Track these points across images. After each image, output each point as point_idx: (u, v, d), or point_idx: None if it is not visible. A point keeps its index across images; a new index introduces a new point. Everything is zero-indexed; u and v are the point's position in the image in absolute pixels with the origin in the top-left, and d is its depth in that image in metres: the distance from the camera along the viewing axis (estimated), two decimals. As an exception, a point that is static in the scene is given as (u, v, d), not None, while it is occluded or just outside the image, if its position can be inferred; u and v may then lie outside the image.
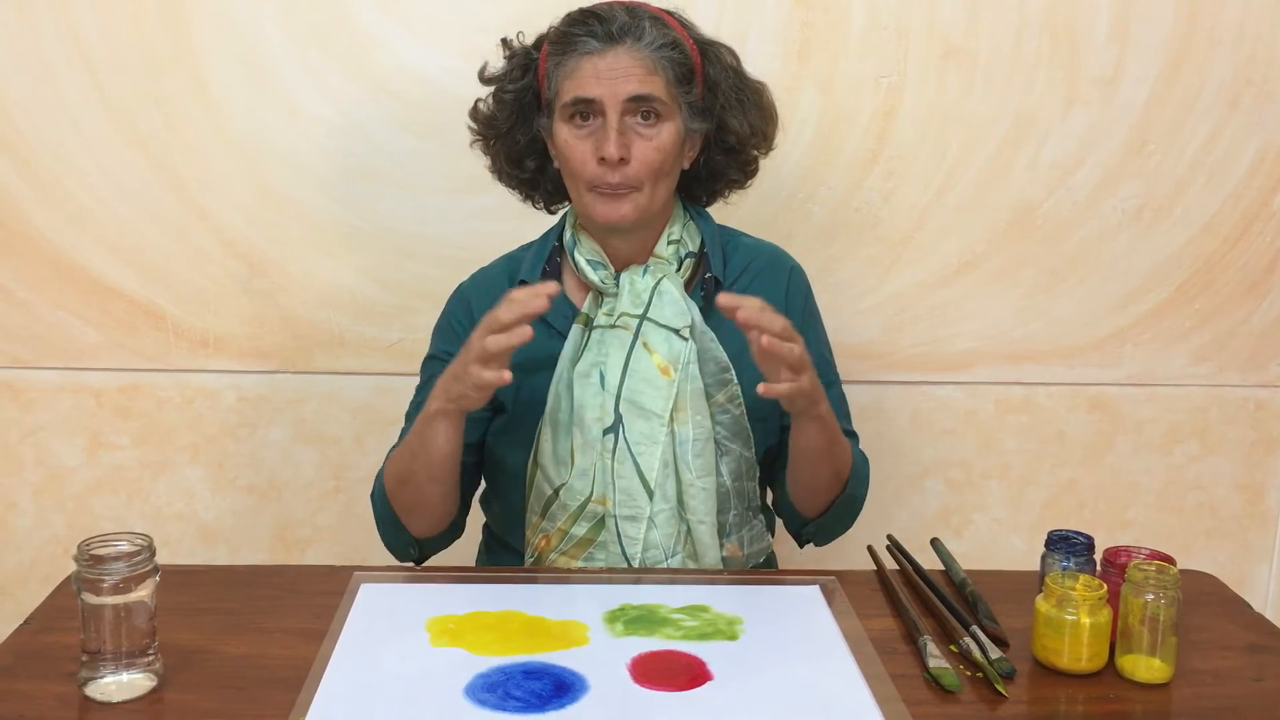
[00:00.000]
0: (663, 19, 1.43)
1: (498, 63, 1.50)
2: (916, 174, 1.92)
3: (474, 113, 1.52)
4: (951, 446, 2.02)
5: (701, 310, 1.45)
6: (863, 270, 1.95)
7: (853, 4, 1.85)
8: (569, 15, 1.44)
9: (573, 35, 1.40)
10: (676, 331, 1.41)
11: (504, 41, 1.50)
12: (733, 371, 1.43)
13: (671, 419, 1.39)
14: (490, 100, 1.51)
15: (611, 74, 1.38)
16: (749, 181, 1.55)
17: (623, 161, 1.38)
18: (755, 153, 1.52)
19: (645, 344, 1.41)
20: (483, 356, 1.25)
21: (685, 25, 1.45)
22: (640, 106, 1.39)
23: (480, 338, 1.25)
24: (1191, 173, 1.94)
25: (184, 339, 1.93)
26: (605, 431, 1.40)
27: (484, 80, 1.51)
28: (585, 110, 1.39)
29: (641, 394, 1.40)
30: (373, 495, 1.48)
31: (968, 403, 2.01)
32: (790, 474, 1.44)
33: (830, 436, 1.37)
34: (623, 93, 1.37)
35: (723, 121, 1.47)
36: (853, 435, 1.53)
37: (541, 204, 1.57)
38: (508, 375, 1.25)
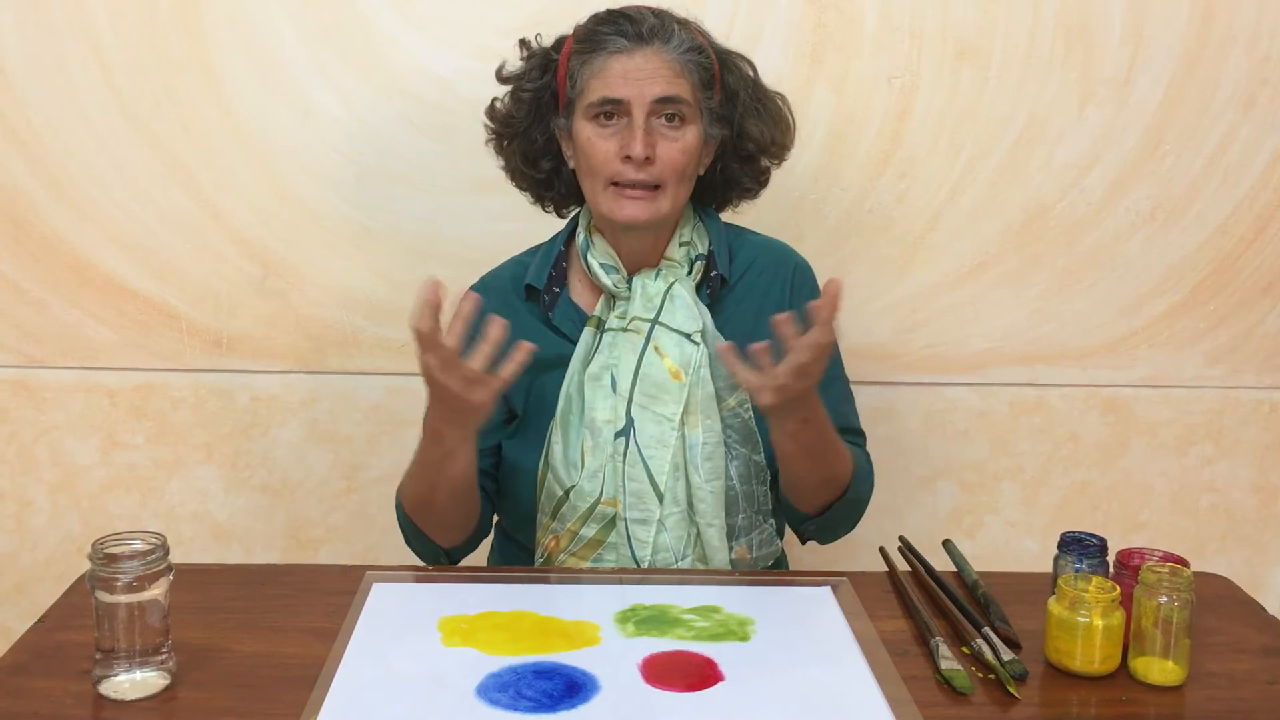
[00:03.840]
0: (688, 23, 1.45)
1: (515, 63, 1.51)
2: (929, 175, 1.91)
3: (490, 111, 1.53)
4: (964, 448, 2.02)
5: (709, 308, 1.46)
6: (876, 271, 1.94)
7: (865, 4, 1.85)
8: (596, 15, 1.45)
9: (601, 34, 1.41)
10: (688, 336, 1.42)
11: (522, 42, 1.51)
12: None
13: (682, 423, 1.40)
14: (507, 99, 1.51)
15: (640, 74, 1.39)
16: (760, 192, 1.57)
17: (648, 161, 1.39)
18: (769, 162, 1.54)
19: (657, 348, 1.42)
20: (468, 383, 1.23)
21: (704, 34, 1.47)
22: (666, 108, 1.40)
23: (443, 371, 1.22)
24: (1206, 173, 1.93)
25: (198, 339, 1.93)
26: (616, 434, 1.41)
27: (501, 79, 1.51)
28: (611, 110, 1.40)
29: (653, 398, 1.40)
30: (396, 511, 1.48)
31: (981, 404, 2.00)
32: (780, 472, 1.43)
33: (811, 444, 1.35)
34: (650, 94, 1.39)
35: (742, 129, 1.48)
36: (858, 433, 1.53)
37: (552, 207, 1.58)
38: (502, 377, 1.23)
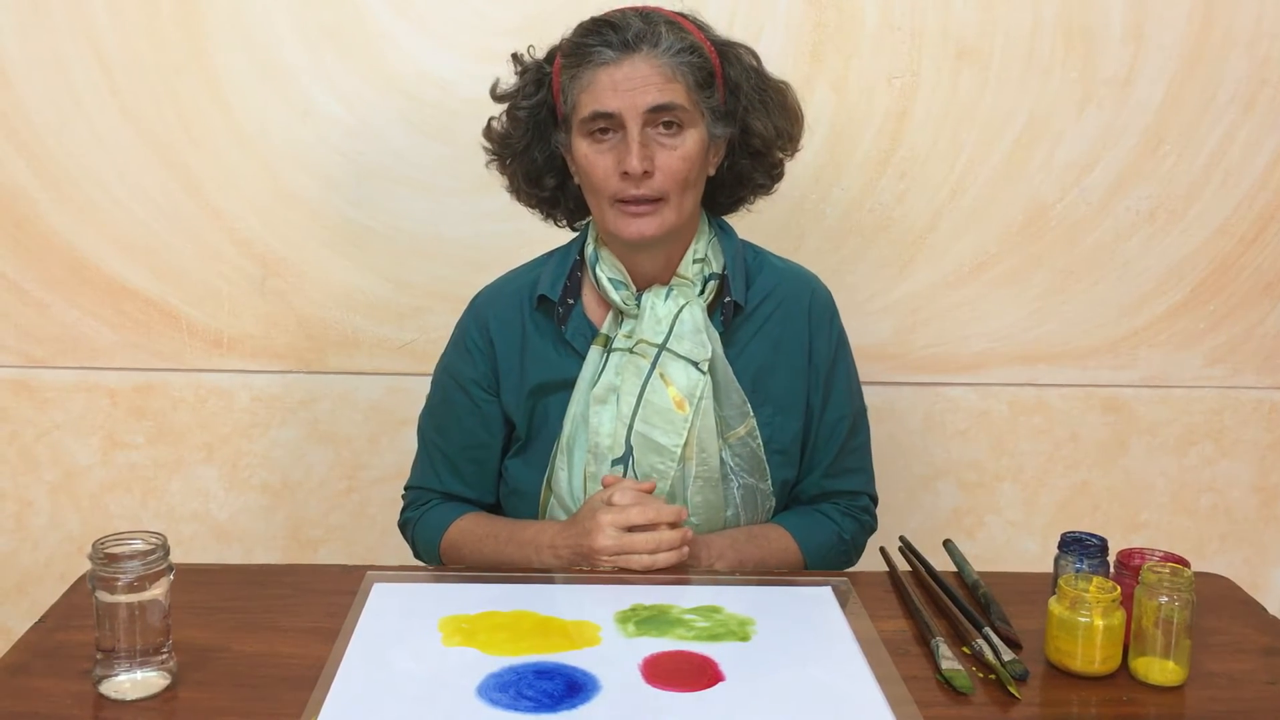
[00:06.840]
0: (679, 23, 1.38)
1: (509, 78, 1.45)
2: (930, 175, 1.91)
3: (487, 132, 1.47)
4: (964, 448, 2.02)
5: (721, 335, 1.42)
6: (876, 271, 1.95)
7: (866, 4, 1.85)
8: (582, 25, 1.39)
9: (587, 46, 1.35)
10: (695, 364, 1.39)
11: (515, 57, 1.45)
12: (749, 405, 1.42)
13: (682, 455, 1.38)
14: (504, 118, 1.46)
15: (629, 84, 1.33)
16: (775, 186, 1.50)
17: (646, 174, 1.33)
18: (781, 155, 1.47)
19: (662, 375, 1.39)
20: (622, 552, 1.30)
21: (702, 27, 1.40)
22: (661, 116, 1.34)
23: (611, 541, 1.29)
24: (1206, 174, 1.93)
25: (198, 339, 1.93)
26: (615, 462, 1.39)
27: (496, 97, 1.46)
28: (605, 125, 1.35)
29: (654, 427, 1.38)
30: (415, 538, 1.50)
31: (981, 404, 2.00)
32: None
33: (735, 568, 1.38)
34: (642, 104, 1.33)
35: (746, 124, 1.41)
36: (864, 497, 1.51)
37: (564, 221, 1.53)
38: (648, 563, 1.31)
